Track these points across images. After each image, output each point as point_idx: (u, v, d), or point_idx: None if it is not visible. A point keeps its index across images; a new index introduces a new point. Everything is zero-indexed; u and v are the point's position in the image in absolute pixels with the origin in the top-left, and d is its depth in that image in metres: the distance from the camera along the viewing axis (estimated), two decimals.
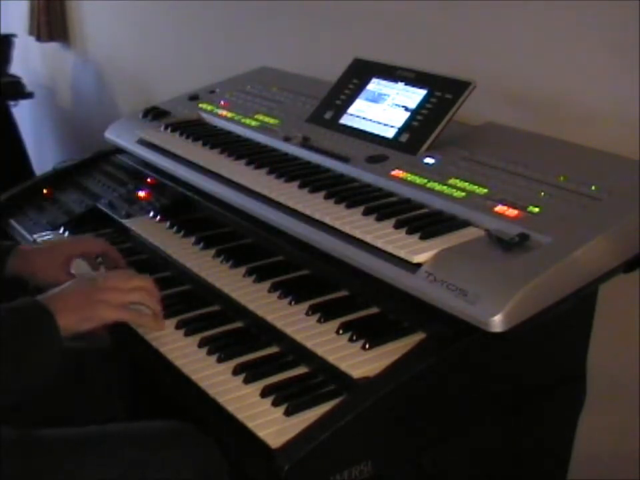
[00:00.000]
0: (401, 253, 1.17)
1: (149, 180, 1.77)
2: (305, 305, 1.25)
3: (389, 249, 1.19)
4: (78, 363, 1.45)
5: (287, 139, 1.62)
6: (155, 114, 1.90)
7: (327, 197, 1.36)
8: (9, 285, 1.39)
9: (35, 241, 1.69)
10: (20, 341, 1.10)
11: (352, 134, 1.57)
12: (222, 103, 1.91)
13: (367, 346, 1.13)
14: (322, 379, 1.15)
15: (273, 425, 1.05)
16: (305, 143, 1.58)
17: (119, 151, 1.92)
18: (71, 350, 1.49)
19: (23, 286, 1.43)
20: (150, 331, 1.28)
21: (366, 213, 1.29)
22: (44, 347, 1.12)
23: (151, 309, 1.26)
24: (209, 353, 1.22)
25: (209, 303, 1.37)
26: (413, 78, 1.55)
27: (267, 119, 1.75)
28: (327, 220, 1.30)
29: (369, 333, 1.16)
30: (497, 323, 1.04)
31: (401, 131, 1.50)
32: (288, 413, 1.07)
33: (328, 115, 1.64)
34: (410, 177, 1.39)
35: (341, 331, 1.18)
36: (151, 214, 1.65)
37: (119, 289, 1.23)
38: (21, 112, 3.70)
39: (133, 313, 1.25)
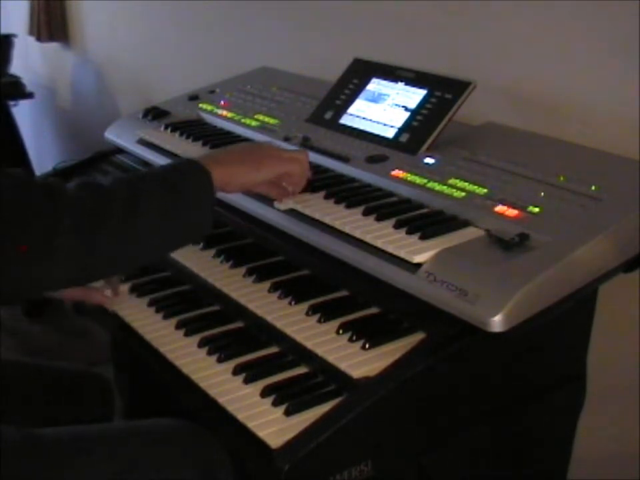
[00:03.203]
0: (401, 253, 1.17)
1: None
2: (304, 305, 1.25)
3: (389, 249, 1.19)
4: (75, 378, 1.47)
5: (287, 139, 1.62)
6: (154, 114, 1.90)
7: (326, 197, 1.36)
8: None
9: None
10: (172, 197, 1.11)
11: (352, 134, 1.57)
12: (222, 102, 1.91)
13: (367, 346, 1.13)
14: (322, 379, 1.15)
15: (273, 425, 1.05)
16: (305, 143, 1.58)
17: (119, 150, 1.92)
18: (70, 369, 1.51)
19: None
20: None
21: (366, 213, 1.29)
22: (194, 201, 1.13)
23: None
24: (209, 353, 1.22)
25: (209, 303, 1.37)
26: (412, 78, 1.55)
27: (267, 119, 1.75)
28: (327, 220, 1.29)
29: (369, 333, 1.16)
30: (496, 323, 1.04)
31: (401, 130, 1.50)
32: (288, 413, 1.07)
33: (328, 115, 1.64)
34: (410, 177, 1.39)
35: (341, 331, 1.18)
36: None
37: (280, 150, 1.32)
38: (21, 112, 3.70)
39: (301, 163, 1.31)
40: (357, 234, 1.24)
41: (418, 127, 1.48)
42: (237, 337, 1.27)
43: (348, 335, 1.17)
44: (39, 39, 3.63)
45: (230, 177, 1.19)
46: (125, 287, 1.41)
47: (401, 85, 1.56)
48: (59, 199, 1.02)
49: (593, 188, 1.25)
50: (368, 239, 1.23)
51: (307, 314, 1.23)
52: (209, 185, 1.14)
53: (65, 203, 1.02)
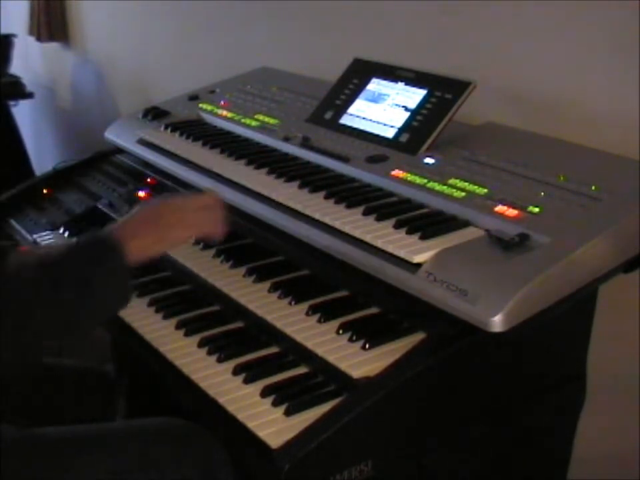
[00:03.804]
0: (401, 253, 1.17)
1: (148, 180, 1.77)
2: (304, 305, 1.25)
3: (389, 248, 1.19)
4: (79, 374, 1.46)
5: (286, 139, 1.62)
6: (154, 114, 1.91)
7: (326, 197, 1.36)
8: None
9: (35, 241, 1.69)
10: (88, 275, 1.09)
11: (352, 134, 1.57)
12: (222, 102, 1.91)
13: (367, 346, 1.13)
14: (322, 379, 1.15)
15: (273, 425, 1.05)
16: (305, 143, 1.58)
17: (119, 150, 1.92)
18: (72, 368, 1.51)
19: None
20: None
21: (366, 213, 1.29)
22: (112, 281, 1.12)
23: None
24: (209, 352, 1.22)
25: (209, 303, 1.37)
26: (412, 78, 1.55)
27: (267, 119, 1.75)
28: (327, 220, 1.30)
29: (369, 333, 1.16)
30: (497, 323, 1.04)
31: (401, 130, 1.50)
32: (288, 413, 1.07)
33: (328, 115, 1.64)
34: (410, 176, 1.39)
35: (341, 331, 1.18)
36: None
37: (188, 208, 1.25)
38: (21, 112, 3.70)
39: (202, 227, 1.27)
40: (357, 234, 1.24)
41: (418, 127, 1.48)
42: (237, 337, 1.27)
43: (348, 334, 1.17)
44: (39, 39, 3.63)
45: (145, 250, 1.17)
46: None
47: (401, 84, 1.56)
48: None
49: (593, 188, 1.25)
50: (368, 239, 1.23)
51: (307, 314, 1.23)
52: (124, 266, 1.12)
53: None
